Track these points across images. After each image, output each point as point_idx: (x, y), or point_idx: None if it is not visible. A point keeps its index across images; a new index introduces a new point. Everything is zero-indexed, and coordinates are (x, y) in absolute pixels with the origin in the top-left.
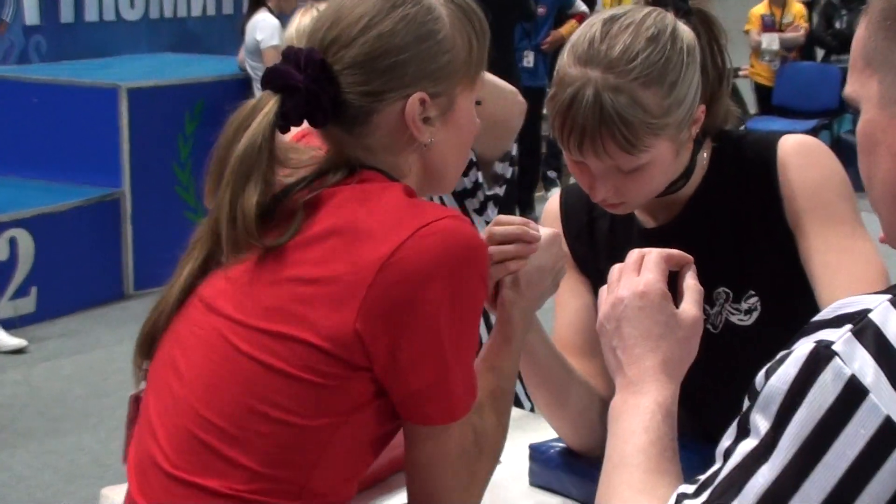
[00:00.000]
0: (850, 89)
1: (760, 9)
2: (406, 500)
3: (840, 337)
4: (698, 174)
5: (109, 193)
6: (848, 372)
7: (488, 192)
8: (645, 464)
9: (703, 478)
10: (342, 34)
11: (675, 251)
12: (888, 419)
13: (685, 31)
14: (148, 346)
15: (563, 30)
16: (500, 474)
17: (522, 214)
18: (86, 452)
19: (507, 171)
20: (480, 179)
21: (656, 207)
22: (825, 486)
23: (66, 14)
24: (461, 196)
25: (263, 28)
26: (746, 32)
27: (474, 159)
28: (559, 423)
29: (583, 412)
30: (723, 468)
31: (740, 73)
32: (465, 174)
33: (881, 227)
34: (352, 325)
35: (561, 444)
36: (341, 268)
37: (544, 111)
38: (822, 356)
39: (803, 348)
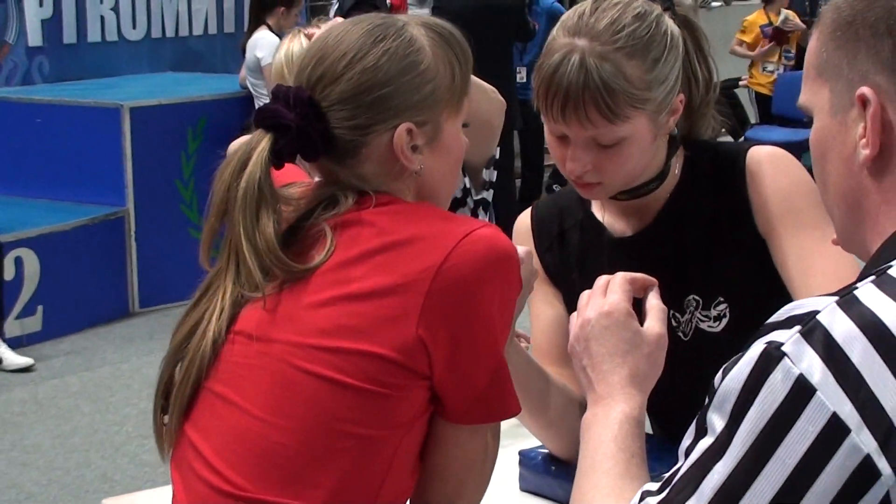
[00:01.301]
0: (804, 98)
1: (756, 18)
2: None
3: (789, 338)
4: (670, 182)
5: (113, 212)
6: (796, 371)
7: (476, 198)
8: (613, 469)
9: (666, 476)
10: (328, 71)
11: (638, 275)
12: (835, 416)
13: (670, 22)
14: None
15: None
16: (493, 479)
17: None
18: (93, 469)
19: (493, 175)
20: (468, 185)
21: (629, 212)
22: (776, 480)
23: (69, 35)
24: (452, 206)
25: (264, 46)
26: (740, 43)
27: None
28: (540, 431)
29: (563, 416)
30: (682, 466)
31: (740, 83)
32: None
33: (834, 230)
34: (414, 331)
35: (548, 450)
36: (395, 279)
37: None
38: (772, 357)
39: (755, 349)
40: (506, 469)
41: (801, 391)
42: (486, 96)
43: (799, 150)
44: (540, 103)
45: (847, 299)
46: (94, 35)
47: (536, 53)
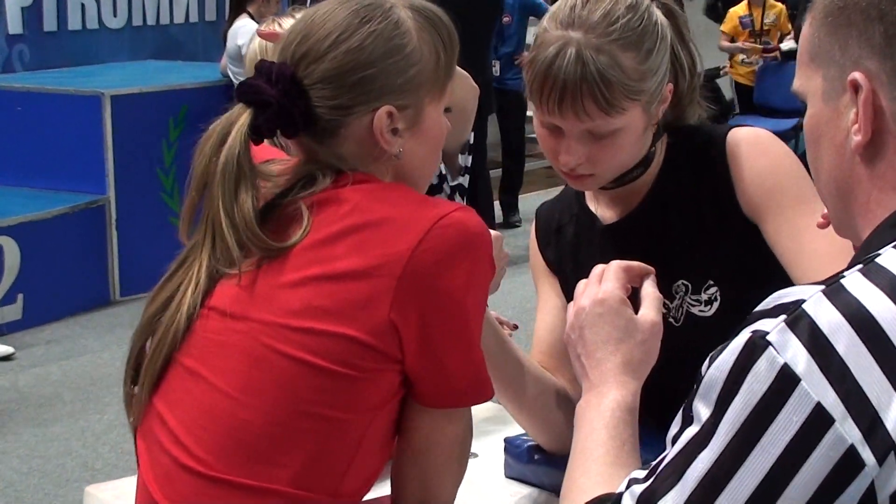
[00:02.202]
0: (798, 84)
1: (739, 10)
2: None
3: (774, 327)
4: (655, 167)
5: (94, 200)
6: (781, 361)
7: (452, 183)
8: (604, 457)
9: (653, 464)
10: (312, 49)
11: (634, 263)
12: (819, 406)
13: (658, 12)
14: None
15: None
16: (476, 467)
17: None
18: (74, 457)
19: (468, 160)
20: (444, 171)
21: (615, 198)
22: (760, 470)
23: (49, 23)
24: (429, 192)
25: (245, 34)
26: (724, 32)
27: None
28: (516, 415)
29: (537, 400)
30: (668, 454)
31: (721, 72)
32: None
33: (829, 215)
34: (386, 315)
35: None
36: (369, 261)
37: (528, 113)
38: (757, 346)
39: (740, 338)
40: (491, 456)
41: (786, 381)
42: (460, 81)
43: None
44: (534, 97)
45: (833, 288)
46: (74, 23)
47: (512, 47)
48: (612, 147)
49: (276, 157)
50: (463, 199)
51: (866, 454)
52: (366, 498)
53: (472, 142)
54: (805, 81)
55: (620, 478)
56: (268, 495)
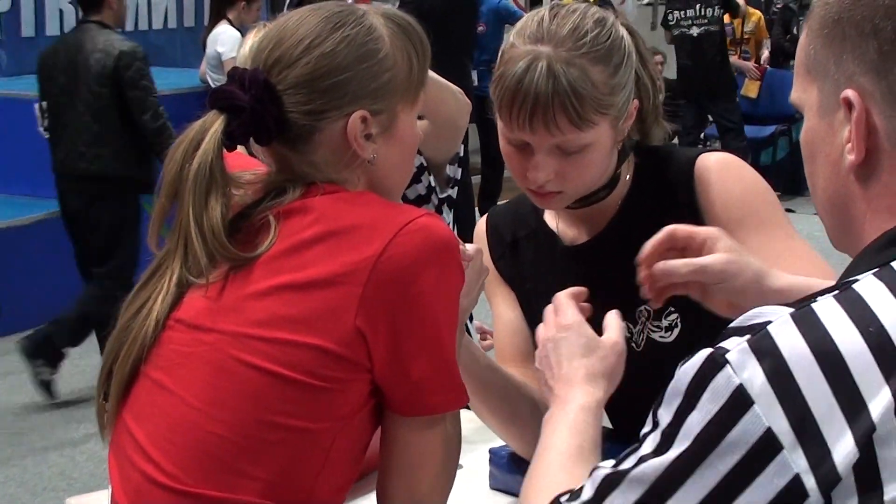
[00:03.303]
0: (795, 95)
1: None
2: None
3: (736, 346)
4: (621, 189)
5: None
6: (737, 381)
7: (441, 196)
8: (567, 451)
9: (620, 457)
10: (285, 55)
11: (575, 288)
12: (769, 431)
13: (623, 29)
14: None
15: None
16: (461, 478)
17: None
18: (51, 465)
19: (457, 172)
20: (433, 183)
21: (580, 220)
22: (707, 485)
23: (28, 28)
24: (416, 203)
25: (224, 41)
26: None
27: (424, 164)
28: (499, 429)
29: (517, 413)
30: (630, 454)
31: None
32: (418, 180)
33: (827, 230)
34: (352, 322)
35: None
36: (334, 269)
37: None
38: (716, 363)
39: (703, 353)
40: (476, 467)
41: (740, 401)
42: (454, 98)
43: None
44: (503, 113)
45: (803, 312)
46: (52, 28)
47: (490, 54)
48: (581, 163)
49: (250, 167)
50: (451, 212)
51: (811, 484)
52: None
53: (461, 154)
54: (802, 93)
55: (581, 468)
56: None
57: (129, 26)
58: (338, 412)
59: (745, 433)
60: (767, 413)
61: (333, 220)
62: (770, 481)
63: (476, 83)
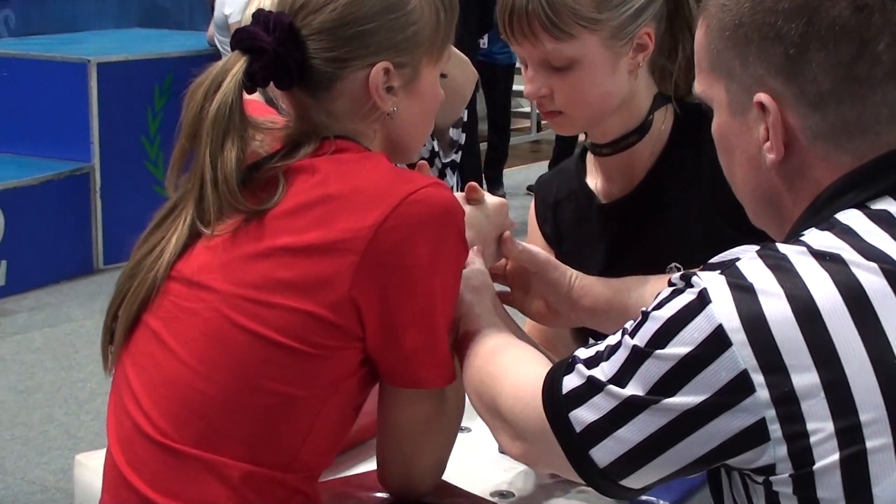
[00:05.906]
0: (700, 88)
1: None
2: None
3: (714, 283)
4: (658, 142)
5: (79, 168)
6: (717, 321)
7: (445, 160)
8: (521, 345)
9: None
10: (312, 0)
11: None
12: (744, 372)
13: None
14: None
15: None
16: (469, 442)
17: (490, 190)
18: (56, 424)
19: (461, 136)
20: (436, 148)
21: (615, 174)
22: (676, 409)
23: None
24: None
25: (232, 3)
26: None
27: None
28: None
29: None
30: (613, 352)
31: None
32: None
33: (749, 215)
34: (347, 291)
35: None
36: (333, 235)
37: (515, 87)
38: (704, 301)
39: (686, 295)
40: (485, 431)
41: (719, 341)
42: (462, 67)
43: None
44: (501, 27)
45: (777, 256)
46: None
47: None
48: (571, 80)
49: (268, 116)
50: (454, 175)
51: (774, 427)
52: (353, 473)
53: (465, 119)
54: (707, 88)
55: (541, 359)
56: (221, 468)
57: None
58: (325, 379)
59: (723, 368)
60: (743, 356)
61: (337, 183)
62: (739, 418)
63: (486, 45)
